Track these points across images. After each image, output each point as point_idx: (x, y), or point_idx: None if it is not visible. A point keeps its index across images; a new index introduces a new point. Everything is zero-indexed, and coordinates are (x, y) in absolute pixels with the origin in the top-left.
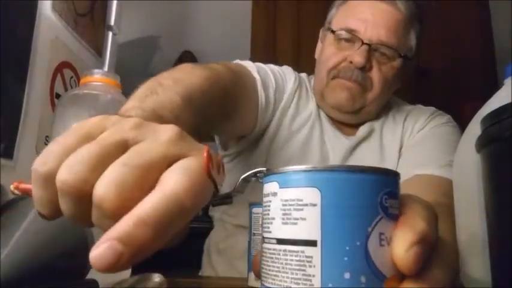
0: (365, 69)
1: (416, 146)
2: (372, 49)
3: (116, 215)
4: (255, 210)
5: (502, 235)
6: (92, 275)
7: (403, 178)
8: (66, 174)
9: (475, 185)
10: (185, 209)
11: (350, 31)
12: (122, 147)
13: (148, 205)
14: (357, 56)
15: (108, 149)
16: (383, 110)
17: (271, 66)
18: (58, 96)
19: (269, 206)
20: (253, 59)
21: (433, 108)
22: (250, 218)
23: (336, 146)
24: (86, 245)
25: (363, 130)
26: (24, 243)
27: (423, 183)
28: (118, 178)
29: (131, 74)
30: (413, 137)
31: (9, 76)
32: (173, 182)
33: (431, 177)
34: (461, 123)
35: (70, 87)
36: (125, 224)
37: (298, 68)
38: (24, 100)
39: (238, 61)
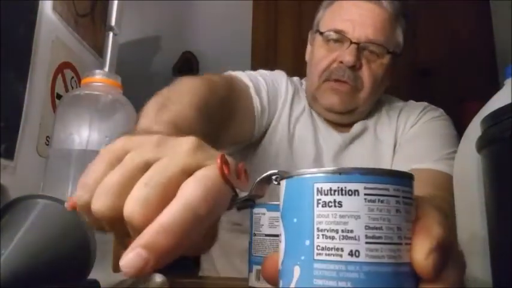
0: (355, 67)
1: (411, 141)
2: (360, 48)
3: (144, 229)
4: (256, 210)
5: (502, 235)
6: (93, 275)
7: None
8: (97, 205)
9: (475, 185)
10: (200, 216)
11: (338, 32)
12: (145, 167)
13: (167, 215)
14: (347, 56)
15: (131, 173)
16: (376, 108)
17: (262, 71)
18: (59, 96)
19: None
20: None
21: (425, 103)
22: (251, 218)
23: (329, 142)
24: (88, 245)
25: (356, 127)
26: (25, 244)
27: (419, 177)
28: (141, 198)
29: (132, 74)
30: (407, 132)
31: (10, 77)
32: (188, 191)
33: (426, 171)
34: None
35: (71, 87)
36: (147, 234)
37: (299, 68)
38: (25, 101)
39: (230, 72)
